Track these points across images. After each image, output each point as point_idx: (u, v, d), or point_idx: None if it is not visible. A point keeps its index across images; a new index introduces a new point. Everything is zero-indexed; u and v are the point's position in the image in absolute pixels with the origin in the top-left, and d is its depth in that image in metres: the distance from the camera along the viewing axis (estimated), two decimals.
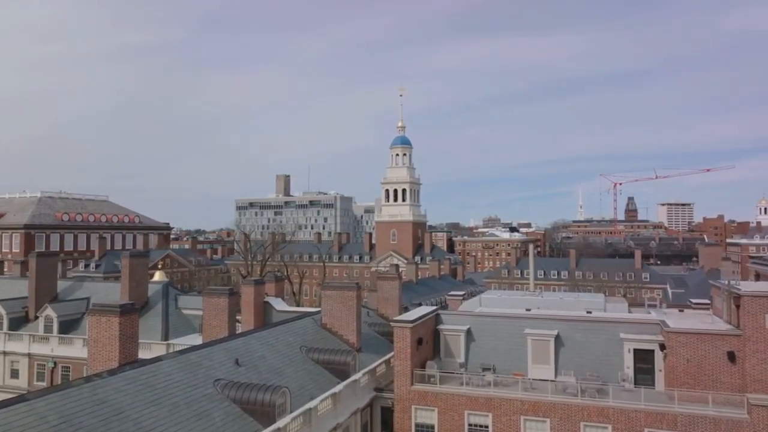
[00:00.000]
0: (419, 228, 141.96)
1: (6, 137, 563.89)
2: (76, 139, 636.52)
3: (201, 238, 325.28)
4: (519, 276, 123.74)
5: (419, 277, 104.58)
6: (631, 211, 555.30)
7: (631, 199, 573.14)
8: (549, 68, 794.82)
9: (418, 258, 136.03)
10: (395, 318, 31.16)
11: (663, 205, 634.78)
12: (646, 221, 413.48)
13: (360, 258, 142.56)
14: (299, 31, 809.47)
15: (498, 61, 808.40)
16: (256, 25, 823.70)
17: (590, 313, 34.23)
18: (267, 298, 42.66)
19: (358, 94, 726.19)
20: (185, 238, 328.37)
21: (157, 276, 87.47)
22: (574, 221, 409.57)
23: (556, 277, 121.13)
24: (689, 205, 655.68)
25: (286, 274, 69.10)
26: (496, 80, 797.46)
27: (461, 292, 42.26)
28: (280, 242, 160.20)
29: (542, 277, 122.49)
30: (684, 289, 78.48)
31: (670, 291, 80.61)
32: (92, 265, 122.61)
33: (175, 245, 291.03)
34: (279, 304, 42.35)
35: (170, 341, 39.89)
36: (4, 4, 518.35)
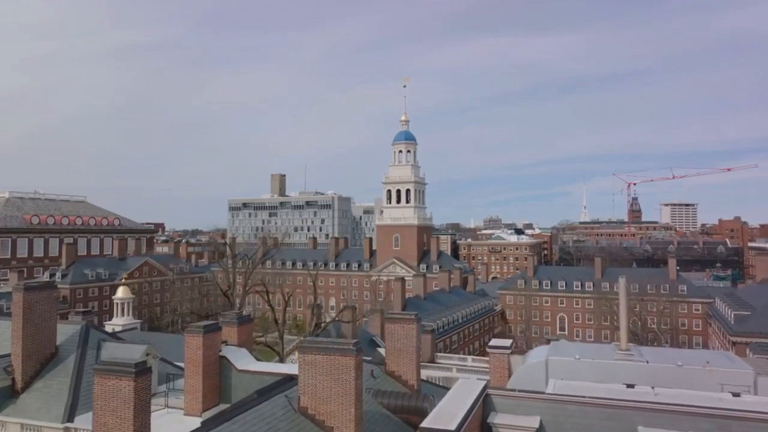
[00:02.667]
0: (425, 232, 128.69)
1: (4, 136, 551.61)
2: (74, 138, 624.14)
3: (193, 240, 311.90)
4: (537, 287, 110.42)
5: (427, 290, 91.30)
6: (635, 212, 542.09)
7: (635, 199, 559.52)
8: (549, 68, 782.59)
9: (423, 266, 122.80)
10: (425, 426, 18.04)
11: (666, 205, 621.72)
12: (656, 222, 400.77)
13: (359, 266, 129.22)
14: (298, 29, 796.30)
15: (497, 60, 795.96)
16: (254, 24, 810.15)
17: (738, 395, 20.94)
18: (225, 350, 29.39)
19: (357, 93, 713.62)
20: (182, 240, 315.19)
21: (120, 292, 74.29)
22: (581, 222, 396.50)
23: (579, 289, 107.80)
24: (693, 205, 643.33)
25: (267, 298, 55.86)
26: (495, 80, 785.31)
27: (507, 343, 28.91)
28: (271, 247, 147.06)
29: (563, 288, 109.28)
30: (748, 310, 65.17)
31: (731, 314, 67.21)
32: (58, 274, 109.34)
33: (165, 247, 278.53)
34: (242, 360, 28.98)
35: (74, 423, 26.52)
36: (3, 3, 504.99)
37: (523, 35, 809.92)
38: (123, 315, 72.97)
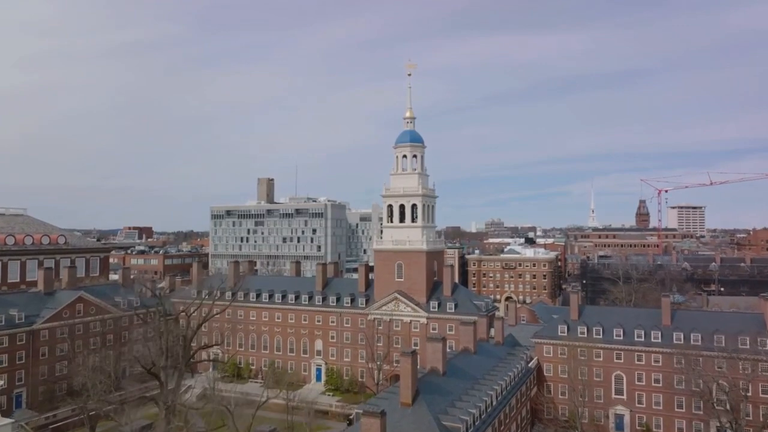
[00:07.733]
0: (435, 259, 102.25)
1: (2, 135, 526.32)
2: (71, 137, 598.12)
3: (174, 251, 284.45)
4: (584, 335, 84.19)
5: (446, 354, 64.73)
6: (642, 215, 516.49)
7: (642, 202, 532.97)
8: (549, 67, 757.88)
9: (434, 303, 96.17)
10: None
11: (673, 208, 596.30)
12: (674, 230, 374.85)
13: (352, 300, 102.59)
14: (297, 29, 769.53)
15: (497, 59, 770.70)
16: (253, 23, 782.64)
17: None
18: None
19: (355, 93, 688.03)
20: (161, 250, 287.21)
21: None
22: (594, 230, 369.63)
23: (642, 339, 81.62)
24: (701, 208, 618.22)
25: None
26: (495, 79, 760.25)
27: None
28: (246, 272, 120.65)
29: (621, 338, 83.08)
30: None
31: None
32: None
33: (140, 260, 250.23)
34: None
35: None
36: (3, 1, 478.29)
37: (523, 34, 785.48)
38: None
